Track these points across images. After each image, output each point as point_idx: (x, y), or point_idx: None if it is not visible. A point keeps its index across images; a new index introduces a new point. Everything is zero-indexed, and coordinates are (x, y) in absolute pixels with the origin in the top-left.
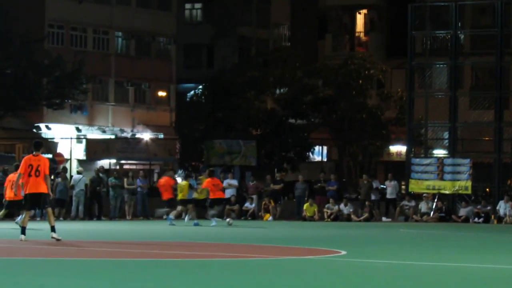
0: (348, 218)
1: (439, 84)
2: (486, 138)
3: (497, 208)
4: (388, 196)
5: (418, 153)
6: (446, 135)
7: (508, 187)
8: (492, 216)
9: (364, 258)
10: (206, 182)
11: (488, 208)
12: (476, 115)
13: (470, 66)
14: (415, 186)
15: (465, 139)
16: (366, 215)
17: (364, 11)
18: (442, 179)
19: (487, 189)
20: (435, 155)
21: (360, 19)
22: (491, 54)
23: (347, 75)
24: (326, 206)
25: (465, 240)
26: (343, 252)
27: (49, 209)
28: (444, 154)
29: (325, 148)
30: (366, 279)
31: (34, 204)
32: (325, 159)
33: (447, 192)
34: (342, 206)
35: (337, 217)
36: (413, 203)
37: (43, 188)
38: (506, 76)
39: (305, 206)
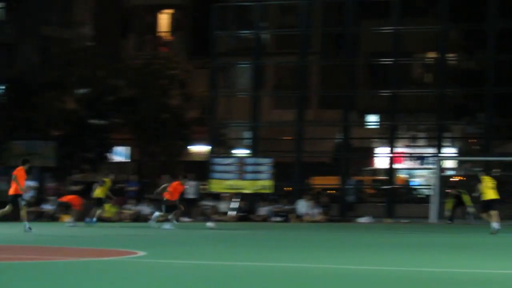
0: (148, 219)
1: (241, 84)
2: (288, 138)
3: (297, 207)
4: (188, 196)
5: (219, 152)
6: (247, 134)
7: (308, 186)
8: (292, 215)
9: (164, 259)
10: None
11: (288, 207)
12: (277, 115)
13: (273, 65)
14: (216, 185)
15: (266, 138)
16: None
17: (168, 11)
18: (243, 178)
19: (287, 188)
20: (236, 155)
21: (163, 19)
22: (295, 54)
23: (150, 75)
24: (126, 206)
25: (264, 239)
26: (142, 253)
27: None
28: (246, 153)
29: (127, 148)
30: (165, 279)
31: None
32: (126, 160)
33: (247, 191)
34: (142, 206)
35: (138, 217)
36: (213, 203)
37: None
38: (308, 76)
39: (107, 207)
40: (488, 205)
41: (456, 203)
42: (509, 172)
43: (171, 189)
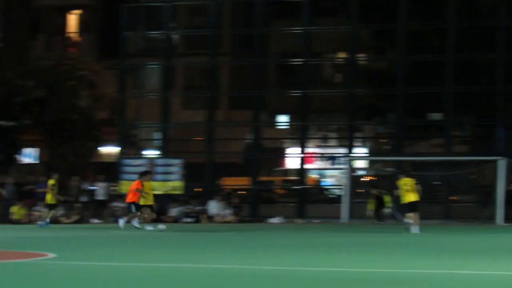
0: (58, 221)
1: (151, 84)
2: (198, 138)
3: (208, 207)
4: (99, 197)
5: (129, 153)
6: (157, 135)
7: (219, 187)
8: (204, 216)
9: (74, 261)
10: None
11: (199, 207)
12: (188, 115)
13: (183, 66)
14: (126, 187)
15: (177, 139)
16: (76, 217)
17: (77, 11)
18: (153, 179)
19: (198, 189)
20: (147, 156)
21: (72, 19)
22: (205, 55)
23: (59, 75)
24: (36, 208)
25: (174, 240)
26: (52, 255)
27: None
28: (156, 154)
29: (36, 149)
30: (75, 281)
31: None
32: (35, 161)
33: (158, 192)
34: None
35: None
36: (123, 204)
37: None
38: (218, 77)
39: (13, 209)
40: (407, 207)
41: (378, 204)
42: (419, 172)
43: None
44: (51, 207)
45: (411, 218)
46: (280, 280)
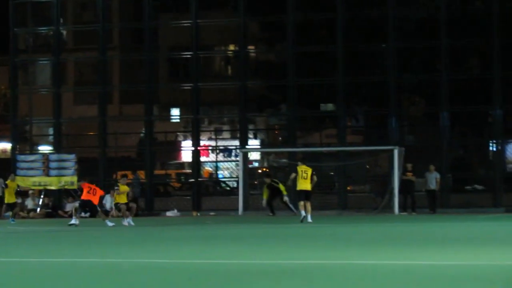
0: None
1: (43, 80)
2: (91, 133)
3: (104, 202)
4: None
5: (24, 149)
6: (51, 131)
7: (113, 181)
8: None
9: None
10: None
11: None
12: (80, 111)
13: (74, 61)
14: (21, 182)
15: (70, 134)
16: None
17: None
18: (48, 175)
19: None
20: (40, 151)
21: None
22: (94, 50)
23: None
24: None
25: (69, 235)
26: None
27: None
28: (50, 150)
29: None
30: None
31: None
32: None
33: (53, 187)
34: None
35: None
36: (19, 200)
37: None
38: (109, 71)
39: None
40: (300, 195)
41: (272, 193)
42: (313, 163)
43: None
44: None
45: (302, 206)
46: (176, 273)
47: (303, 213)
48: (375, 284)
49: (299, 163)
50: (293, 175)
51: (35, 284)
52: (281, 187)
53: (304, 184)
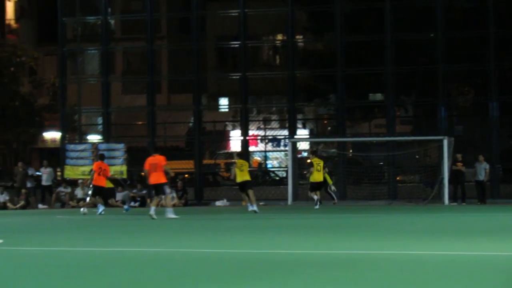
0: (4, 207)
1: (91, 70)
2: (140, 123)
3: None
4: (44, 183)
5: (73, 139)
6: (99, 120)
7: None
8: (148, 200)
9: (21, 246)
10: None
11: (144, 192)
12: (129, 100)
13: (122, 51)
14: (70, 172)
15: (118, 124)
16: (22, 202)
17: None
18: None
19: (142, 173)
20: (89, 141)
21: (9, 6)
22: (142, 39)
23: None
24: None
25: (120, 224)
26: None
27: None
28: (99, 139)
29: None
30: (22, 266)
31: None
32: None
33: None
34: None
35: None
36: (69, 189)
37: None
38: (158, 61)
39: None
40: (316, 186)
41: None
42: (361, 153)
43: None
44: None
45: (315, 194)
46: (225, 262)
47: (315, 197)
48: (425, 275)
49: (311, 155)
50: (312, 168)
51: (83, 273)
52: (327, 177)
53: (318, 176)
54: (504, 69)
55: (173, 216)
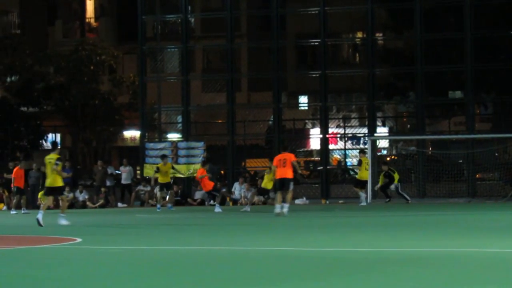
0: (83, 205)
1: (171, 68)
2: (219, 121)
3: (232, 190)
4: (123, 181)
5: (152, 137)
6: (179, 118)
7: (242, 169)
8: (228, 198)
9: (100, 245)
10: None
11: (223, 190)
12: (208, 98)
13: (202, 49)
14: (150, 170)
15: (198, 122)
16: (101, 201)
17: None
18: (176, 162)
19: (222, 171)
20: (169, 139)
21: (89, 4)
22: (222, 37)
23: (78, 61)
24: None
25: (200, 223)
26: (79, 240)
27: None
28: (178, 137)
29: (58, 135)
30: (101, 265)
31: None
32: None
33: (182, 175)
34: (77, 193)
35: (73, 204)
36: (148, 188)
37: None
38: (237, 59)
39: (40, 194)
40: (360, 183)
41: (390, 181)
42: (440, 150)
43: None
44: None
45: (360, 191)
46: (305, 260)
47: (363, 194)
48: (506, 273)
49: (361, 154)
50: (360, 167)
51: (163, 271)
52: (396, 175)
53: (365, 174)
54: None
55: (281, 211)
